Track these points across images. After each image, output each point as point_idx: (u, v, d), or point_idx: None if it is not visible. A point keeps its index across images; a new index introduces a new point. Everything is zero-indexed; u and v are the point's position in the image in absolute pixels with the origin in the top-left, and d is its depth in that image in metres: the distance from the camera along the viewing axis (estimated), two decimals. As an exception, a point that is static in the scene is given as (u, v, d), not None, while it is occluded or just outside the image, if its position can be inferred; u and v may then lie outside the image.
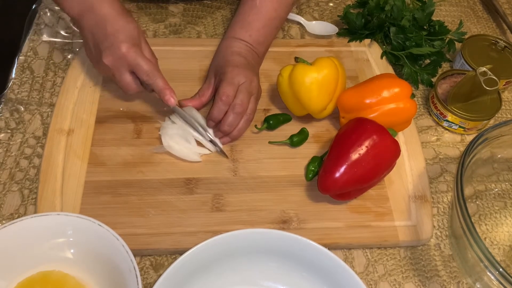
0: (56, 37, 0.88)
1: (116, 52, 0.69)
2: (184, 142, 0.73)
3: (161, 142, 0.73)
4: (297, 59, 0.75)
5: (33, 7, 0.91)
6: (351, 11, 0.91)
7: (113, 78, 0.72)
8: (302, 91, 0.73)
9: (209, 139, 0.74)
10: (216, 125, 0.74)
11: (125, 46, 0.68)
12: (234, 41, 0.79)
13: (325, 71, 0.72)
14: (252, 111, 0.74)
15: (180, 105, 0.75)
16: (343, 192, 0.69)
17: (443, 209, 0.74)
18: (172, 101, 0.71)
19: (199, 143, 0.74)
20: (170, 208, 0.69)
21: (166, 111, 0.77)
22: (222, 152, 0.74)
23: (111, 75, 0.72)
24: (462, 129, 0.81)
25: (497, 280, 0.57)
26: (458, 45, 0.89)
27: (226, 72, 0.73)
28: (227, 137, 0.75)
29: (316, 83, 0.72)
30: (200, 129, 0.74)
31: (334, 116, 0.79)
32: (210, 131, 0.74)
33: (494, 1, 1.01)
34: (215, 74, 0.77)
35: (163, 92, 0.71)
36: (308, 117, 0.78)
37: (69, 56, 0.86)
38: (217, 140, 0.74)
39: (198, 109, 0.76)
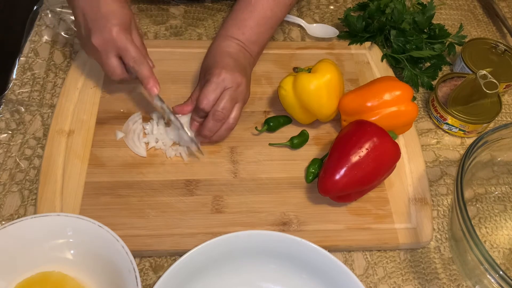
0: (57, 38, 0.89)
1: (106, 34, 0.68)
2: (137, 138, 0.75)
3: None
4: (296, 69, 0.75)
5: (34, 8, 0.91)
6: (352, 14, 0.91)
7: (99, 61, 0.72)
8: (311, 99, 0.72)
9: (187, 138, 0.73)
10: (199, 127, 0.74)
11: (116, 30, 0.68)
12: (226, 40, 0.76)
13: (329, 75, 0.72)
14: (235, 119, 0.72)
15: (174, 111, 0.74)
16: (343, 194, 0.69)
17: (443, 211, 0.74)
18: (154, 90, 0.70)
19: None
20: (170, 209, 0.69)
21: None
22: (199, 151, 0.74)
23: (97, 58, 0.71)
24: (462, 132, 0.81)
25: (497, 283, 0.57)
26: (458, 48, 0.89)
27: (212, 74, 0.71)
28: (206, 139, 0.74)
29: (324, 88, 0.72)
30: (179, 126, 0.73)
31: (334, 118, 0.79)
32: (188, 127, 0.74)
33: (494, 5, 1.02)
34: (205, 75, 0.74)
35: (147, 80, 0.70)
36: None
37: (69, 58, 0.86)
38: (195, 139, 0.73)
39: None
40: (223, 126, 0.72)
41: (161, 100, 0.73)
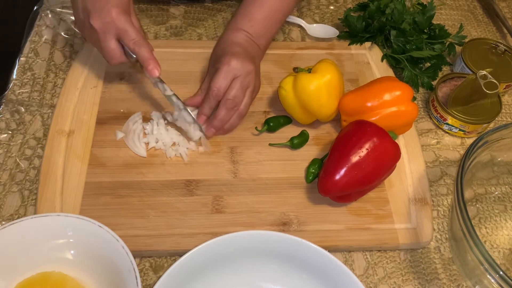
0: (57, 39, 0.89)
1: (106, 15, 0.67)
2: (137, 138, 0.75)
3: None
4: (296, 70, 0.75)
5: (35, 8, 0.91)
6: (352, 14, 0.91)
7: (97, 45, 0.71)
8: (311, 100, 0.72)
9: (190, 119, 0.73)
10: (208, 119, 0.73)
11: (115, 11, 0.67)
12: (235, 32, 0.77)
13: (329, 75, 0.72)
14: (246, 105, 0.73)
15: (186, 105, 0.74)
16: (343, 194, 0.69)
17: (443, 212, 0.74)
18: (155, 72, 0.69)
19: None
20: (170, 209, 0.69)
21: (166, 113, 0.77)
22: (203, 133, 0.73)
23: (96, 41, 0.70)
24: (462, 132, 0.81)
25: (497, 283, 0.57)
26: (458, 48, 0.89)
27: (222, 63, 0.71)
28: (218, 130, 0.73)
29: (324, 88, 0.72)
30: (181, 107, 0.73)
31: (334, 118, 0.79)
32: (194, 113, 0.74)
33: (494, 5, 1.02)
34: (214, 64, 0.74)
35: (147, 62, 0.69)
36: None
37: (69, 58, 0.86)
38: (197, 121, 0.73)
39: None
40: (234, 114, 0.72)
41: (161, 81, 0.72)
